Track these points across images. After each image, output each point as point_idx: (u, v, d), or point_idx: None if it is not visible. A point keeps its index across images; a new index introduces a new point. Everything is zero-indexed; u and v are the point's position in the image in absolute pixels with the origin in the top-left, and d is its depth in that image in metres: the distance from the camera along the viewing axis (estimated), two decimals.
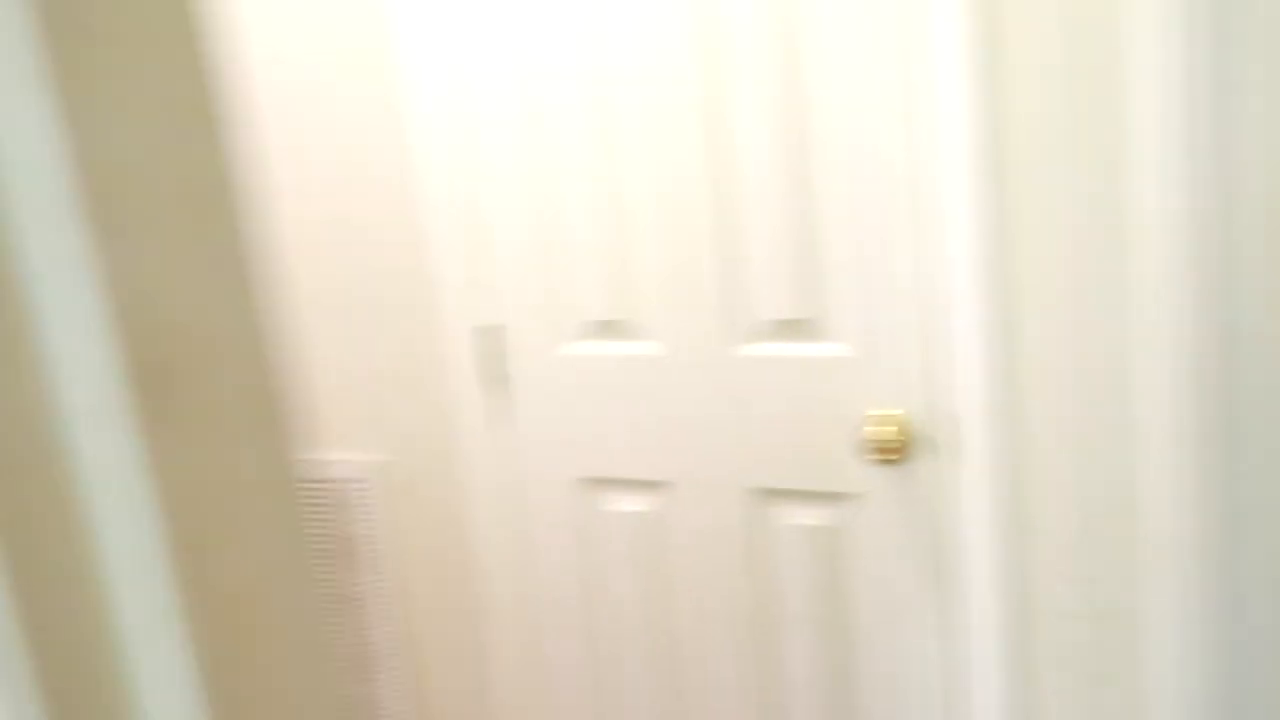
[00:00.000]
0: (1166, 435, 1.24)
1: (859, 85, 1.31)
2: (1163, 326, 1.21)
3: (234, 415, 0.33)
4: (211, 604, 0.32)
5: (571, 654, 1.74)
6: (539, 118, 1.52)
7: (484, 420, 1.68)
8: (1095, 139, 1.21)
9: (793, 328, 1.43)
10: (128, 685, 0.31)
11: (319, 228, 1.73)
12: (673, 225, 1.47)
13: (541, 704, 1.79)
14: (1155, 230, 1.20)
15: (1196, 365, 1.21)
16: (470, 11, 1.53)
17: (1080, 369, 1.28)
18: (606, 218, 1.51)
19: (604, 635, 1.70)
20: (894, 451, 1.36)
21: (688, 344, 1.50)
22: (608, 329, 1.56)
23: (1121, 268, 1.23)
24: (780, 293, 1.42)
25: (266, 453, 0.34)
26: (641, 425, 1.57)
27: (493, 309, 1.63)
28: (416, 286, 1.68)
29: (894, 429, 1.36)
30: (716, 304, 1.47)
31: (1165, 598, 1.30)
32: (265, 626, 0.34)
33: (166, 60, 0.30)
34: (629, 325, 1.54)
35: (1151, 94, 1.16)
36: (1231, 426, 1.25)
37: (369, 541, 1.86)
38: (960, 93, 1.23)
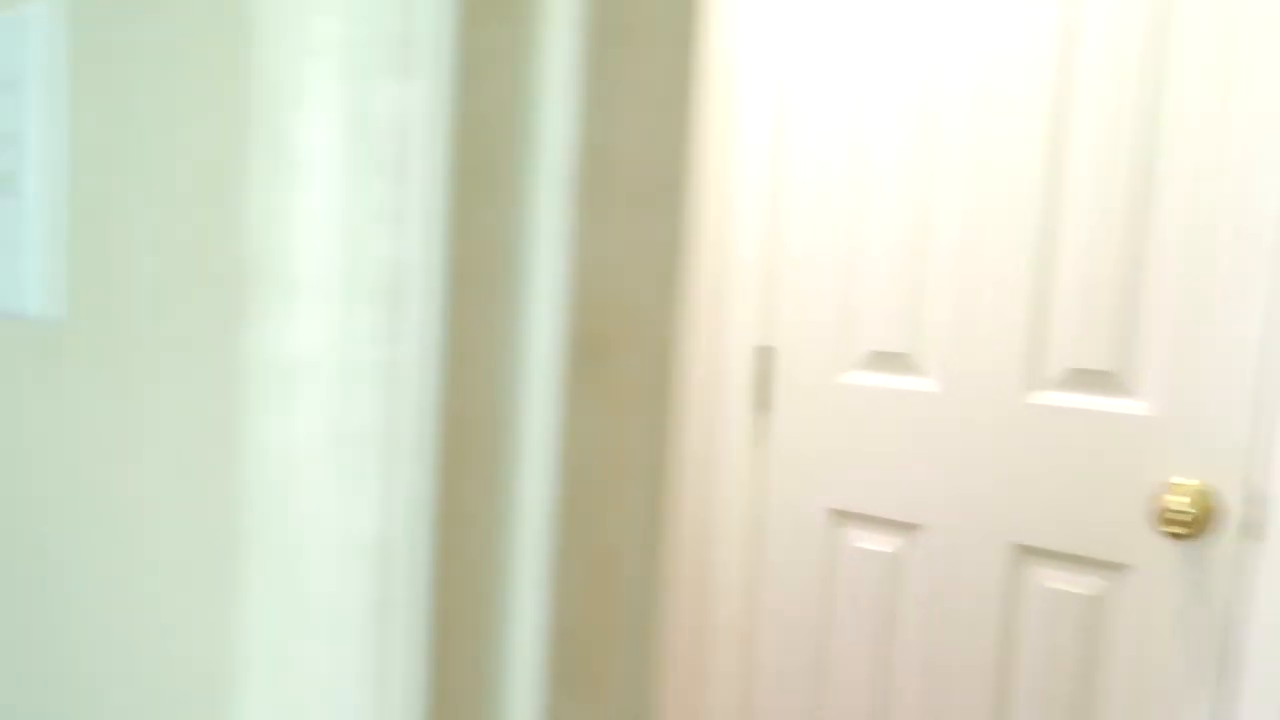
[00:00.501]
0: None
1: (1224, 120, 1.28)
2: None
3: (643, 390, 0.36)
4: (581, 562, 0.35)
5: (792, 682, 1.73)
6: (854, 143, 1.57)
7: (748, 439, 1.72)
8: None
9: (1091, 379, 1.39)
10: (494, 630, 0.34)
11: None
12: (978, 258, 1.47)
13: None
14: None
15: None
16: (798, 30, 1.61)
17: None
18: (907, 247, 1.53)
19: (829, 669, 1.68)
20: (1185, 525, 1.29)
21: (969, 384, 1.49)
22: (885, 361, 1.57)
23: None
24: (1085, 340, 1.39)
25: (657, 427, 0.37)
26: (904, 463, 1.57)
27: (769, 331, 1.68)
28: (706, 302, 1.76)
29: (1188, 500, 1.29)
30: (1009, 345, 1.45)
31: None
32: (617, 593, 0.37)
33: (664, 58, 0.35)
34: (908, 359, 1.55)
35: None
36: None
37: None
38: None
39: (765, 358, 1.69)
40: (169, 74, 0.41)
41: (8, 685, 0.55)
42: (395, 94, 0.31)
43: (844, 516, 1.64)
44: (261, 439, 0.37)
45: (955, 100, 1.47)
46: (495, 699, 0.35)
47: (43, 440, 0.51)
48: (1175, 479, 1.33)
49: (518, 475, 0.34)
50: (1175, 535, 1.32)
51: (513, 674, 0.35)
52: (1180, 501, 1.30)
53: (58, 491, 0.50)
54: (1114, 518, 1.39)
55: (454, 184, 0.30)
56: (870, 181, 1.56)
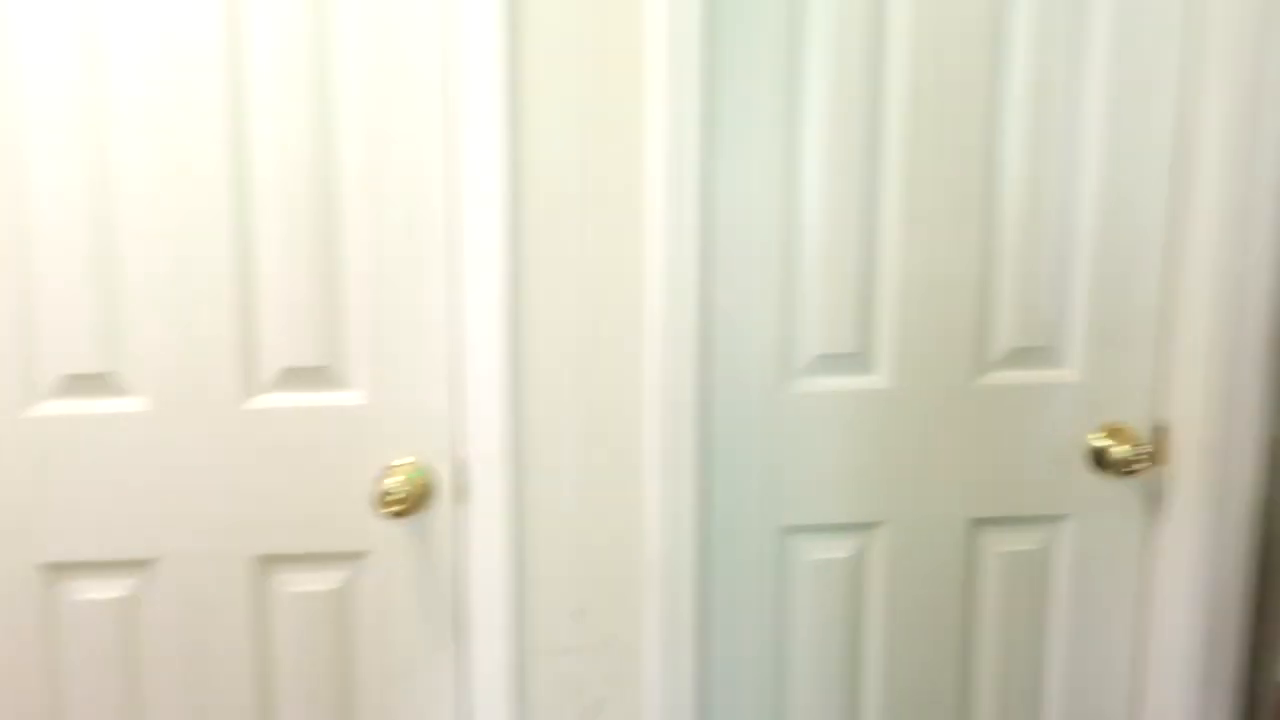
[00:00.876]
0: (660, 471, 1.40)
1: (396, 125, 1.35)
2: (660, 371, 1.38)
3: None
4: None
5: None
6: (5, 129, 1.33)
7: None
8: (607, 195, 1.37)
9: (306, 376, 1.39)
10: None
11: None
12: (174, 264, 1.35)
13: None
14: (658, 282, 1.37)
15: (687, 406, 1.39)
16: None
17: (588, 412, 1.40)
18: (88, 258, 1.35)
19: None
20: (404, 503, 1.36)
21: (183, 398, 1.38)
22: (84, 384, 1.37)
23: (631, 314, 1.39)
24: (293, 339, 1.38)
25: None
26: (124, 496, 1.40)
27: None
28: None
29: (403, 479, 1.37)
30: (218, 352, 1.37)
31: (653, 624, 1.44)
32: None
33: None
34: (113, 379, 1.37)
35: (659, 153, 1.35)
36: (710, 463, 1.45)
37: None
38: (489, 140, 1.33)
39: None
40: None
41: None
42: None
43: (61, 570, 1.41)
44: None
45: (125, 92, 1.33)
46: None
47: None
48: (392, 461, 1.40)
49: None
50: (397, 514, 1.38)
51: None
52: (396, 482, 1.36)
53: None
54: (344, 509, 1.42)
55: None
56: (31, 182, 1.33)
